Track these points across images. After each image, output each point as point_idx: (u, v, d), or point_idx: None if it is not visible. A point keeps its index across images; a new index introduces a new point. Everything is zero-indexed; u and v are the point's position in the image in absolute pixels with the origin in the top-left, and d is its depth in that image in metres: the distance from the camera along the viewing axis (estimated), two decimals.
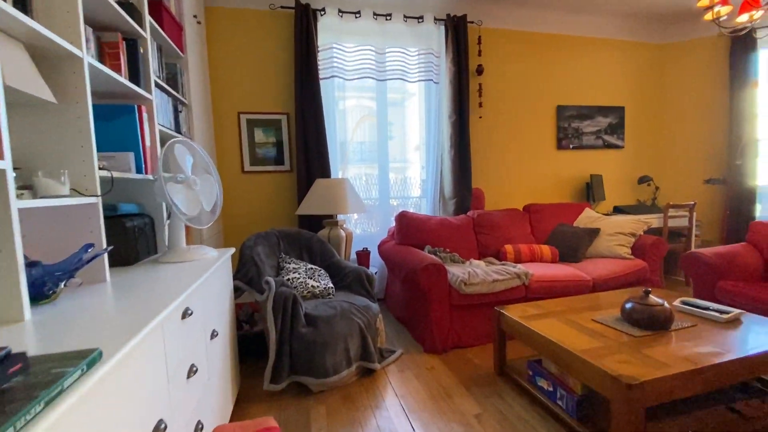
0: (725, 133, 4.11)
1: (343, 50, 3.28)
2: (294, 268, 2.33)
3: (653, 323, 1.73)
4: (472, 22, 3.55)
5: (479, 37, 3.62)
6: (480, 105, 3.70)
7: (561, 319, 1.91)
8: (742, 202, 3.98)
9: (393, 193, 3.70)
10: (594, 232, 3.16)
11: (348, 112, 3.52)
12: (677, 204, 3.64)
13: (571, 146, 4.08)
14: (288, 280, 2.22)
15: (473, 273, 2.50)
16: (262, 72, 3.18)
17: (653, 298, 1.78)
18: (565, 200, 4.16)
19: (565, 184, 4.14)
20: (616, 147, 4.27)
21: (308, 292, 2.23)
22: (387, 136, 3.56)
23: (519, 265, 2.74)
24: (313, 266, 2.42)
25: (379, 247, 3.25)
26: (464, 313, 2.53)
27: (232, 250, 1.97)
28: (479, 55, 3.62)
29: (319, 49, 3.17)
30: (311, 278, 2.30)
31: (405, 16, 3.36)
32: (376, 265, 3.41)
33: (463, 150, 3.44)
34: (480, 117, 3.73)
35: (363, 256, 3.05)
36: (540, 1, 3.55)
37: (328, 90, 3.25)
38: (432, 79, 3.51)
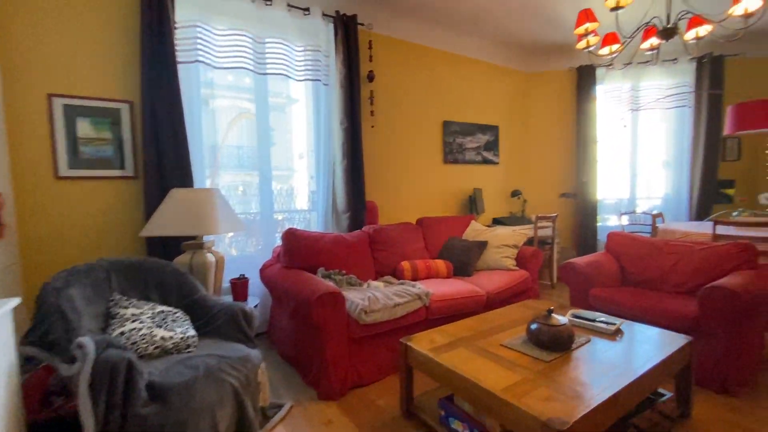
0: (574, 154, 4.80)
1: (211, 32, 2.67)
2: (134, 314, 1.66)
3: (558, 344, 1.68)
4: (363, 24, 3.34)
5: (370, 41, 3.43)
6: (372, 113, 3.49)
7: (471, 348, 1.74)
8: (587, 213, 4.67)
9: (278, 206, 3.19)
10: (482, 245, 3.22)
11: (221, 112, 2.91)
12: (544, 215, 4.03)
13: (454, 160, 4.20)
14: (121, 335, 1.55)
15: (373, 298, 2.20)
16: (91, 40, 2.34)
17: (555, 317, 1.74)
18: (452, 213, 4.26)
19: (451, 197, 4.24)
20: (493, 163, 4.58)
21: (156, 347, 1.60)
22: (269, 140, 3.05)
23: (418, 284, 2.56)
24: (166, 308, 1.78)
25: (262, 271, 2.71)
26: (364, 346, 2.20)
27: (17, 300, 1.26)
28: (370, 60, 3.42)
29: (177, 25, 2.51)
30: (161, 326, 1.67)
31: (289, 5, 2.93)
32: (257, 293, 2.84)
33: (356, 160, 3.16)
34: (372, 126, 3.52)
35: (239, 285, 2.48)
36: (426, 15, 3.55)
37: (191, 78, 2.60)
38: (320, 80, 3.15)
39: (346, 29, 3.12)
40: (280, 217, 3.27)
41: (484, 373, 1.50)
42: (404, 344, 1.83)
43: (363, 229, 3.07)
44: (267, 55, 2.93)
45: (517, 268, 3.16)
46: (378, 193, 3.61)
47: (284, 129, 3.34)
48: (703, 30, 2.33)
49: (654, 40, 2.30)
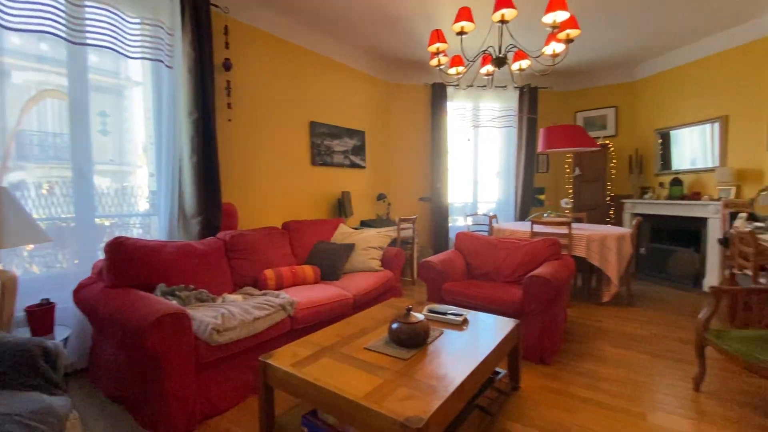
0: (430, 162, 5.29)
1: None
2: None
3: (416, 340, 1.76)
4: (218, 7, 2.98)
5: (226, 26, 3.09)
6: (229, 106, 3.15)
7: (335, 356, 1.69)
8: (441, 215, 5.21)
9: (103, 209, 2.59)
10: (350, 248, 3.24)
11: (15, 87, 2.19)
12: (406, 218, 4.32)
13: (322, 162, 4.14)
14: None
15: (228, 314, 1.96)
16: None
17: (414, 315, 1.83)
18: (322, 216, 4.19)
19: (321, 200, 4.17)
20: (360, 167, 4.70)
21: None
22: (89, 126, 2.44)
23: (282, 293, 2.40)
24: None
25: (78, 293, 2.14)
26: (219, 369, 1.94)
27: None
28: (227, 47, 3.09)
29: None
30: None
31: None
32: (69, 321, 2.23)
33: (209, 156, 2.80)
34: (230, 120, 3.18)
35: (40, 314, 1.89)
36: (291, 10, 3.41)
37: None
38: (162, 60, 2.68)
39: (196, 7, 2.73)
40: (107, 223, 2.66)
41: (347, 382, 1.46)
42: (263, 363, 1.66)
43: (218, 235, 2.73)
44: (87, 22, 2.34)
45: (382, 268, 3.28)
46: (237, 195, 3.28)
47: (120, 116, 2.73)
48: (525, 63, 2.83)
49: (490, 67, 2.68)
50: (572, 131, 3.84)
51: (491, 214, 4.86)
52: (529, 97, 5.39)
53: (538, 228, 3.83)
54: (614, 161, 5.23)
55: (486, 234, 4.57)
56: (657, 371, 2.35)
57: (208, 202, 2.76)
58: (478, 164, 5.54)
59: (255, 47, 3.38)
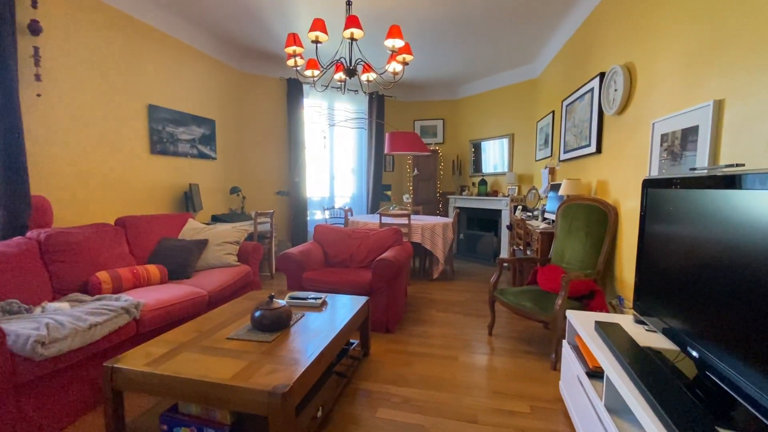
0: (286, 156, 5.35)
1: None
2: None
3: (280, 324, 1.92)
4: None
5: None
6: (38, 77, 2.57)
7: (196, 349, 1.70)
8: (299, 209, 5.35)
9: None
10: (203, 244, 3.10)
11: None
12: (262, 212, 4.31)
13: (165, 151, 3.76)
14: None
15: (55, 324, 1.70)
16: None
17: (276, 302, 1.98)
18: (165, 210, 3.80)
19: (163, 193, 3.77)
20: (210, 158, 4.42)
21: None
22: None
23: (123, 296, 2.18)
24: None
25: None
26: (46, 388, 1.67)
27: None
28: (34, 5, 2.51)
29: None
30: None
31: None
32: None
33: (10, 139, 2.26)
34: (39, 95, 2.60)
35: None
36: None
37: None
38: None
39: None
40: None
41: (212, 369, 1.52)
42: (109, 368, 1.54)
43: (28, 234, 2.25)
44: None
45: (239, 263, 3.24)
46: (53, 187, 2.72)
47: None
48: (372, 76, 3.23)
49: (342, 75, 2.98)
50: (411, 137, 4.52)
51: (347, 207, 5.26)
52: (377, 103, 6.00)
53: (385, 219, 4.39)
54: (442, 164, 6.34)
55: (342, 226, 4.95)
56: (467, 325, 3.10)
57: (11, 193, 2.23)
58: (334, 161, 5.88)
59: (75, 11, 2.83)
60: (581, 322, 1.84)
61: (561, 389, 2.05)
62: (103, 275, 2.34)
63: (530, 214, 4.19)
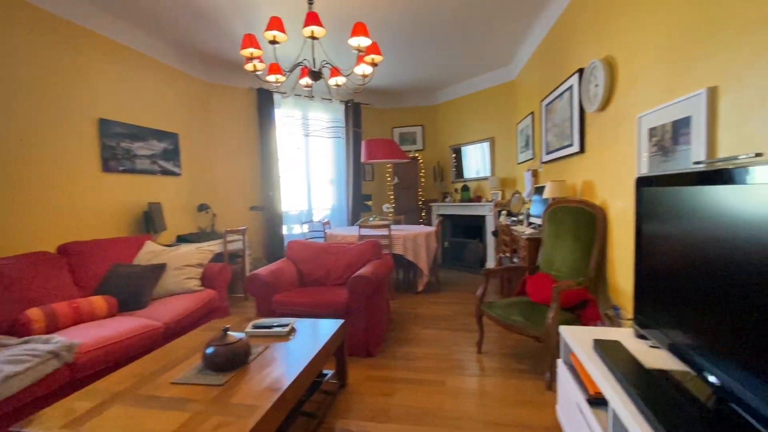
0: (259, 169, 5.09)
1: None
2: None
3: (236, 361, 1.66)
4: None
5: None
6: None
7: (130, 401, 1.42)
8: (274, 224, 5.07)
9: None
10: (159, 269, 2.81)
11: None
12: (233, 229, 4.03)
13: (120, 168, 3.46)
14: None
15: None
16: None
17: (232, 335, 1.72)
18: (120, 234, 3.48)
19: (119, 214, 3.46)
20: (173, 174, 4.13)
21: None
22: None
23: (56, 336, 1.88)
24: None
25: None
26: None
27: None
28: None
29: None
30: None
31: None
32: None
33: None
34: None
35: None
36: None
37: None
38: None
39: None
40: None
41: (145, 427, 1.25)
42: None
43: None
44: None
45: (202, 288, 2.95)
46: None
47: None
48: (341, 80, 3.03)
49: (308, 79, 2.77)
50: (388, 145, 4.33)
51: (325, 220, 5.01)
52: (354, 111, 5.82)
53: (364, 231, 4.16)
54: (423, 171, 6.16)
55: (322, 240, 4.69)
56: (454, 342, 2.87)
57: None
58: (311, 172, 5.64)
59: (10, 16, 2.55)
60: (577, 339, 1.63)
61: (558, 415, 1.84)
62: (34, 313, 2.04)
63: (515, 218, 4.03)
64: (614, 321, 2.13)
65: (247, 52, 2.38)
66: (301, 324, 2.23)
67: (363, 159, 4.40)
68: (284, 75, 2.65)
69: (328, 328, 2.14)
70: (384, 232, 4.09)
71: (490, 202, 5.12)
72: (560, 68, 3.24)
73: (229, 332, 1.73)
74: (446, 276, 5.20)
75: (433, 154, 6.22)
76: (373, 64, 2.66)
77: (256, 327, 2.13)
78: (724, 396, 1.00)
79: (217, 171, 4.81)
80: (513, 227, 3.61)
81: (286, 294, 2.82)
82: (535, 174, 3.95)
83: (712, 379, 1.05)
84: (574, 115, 2.87)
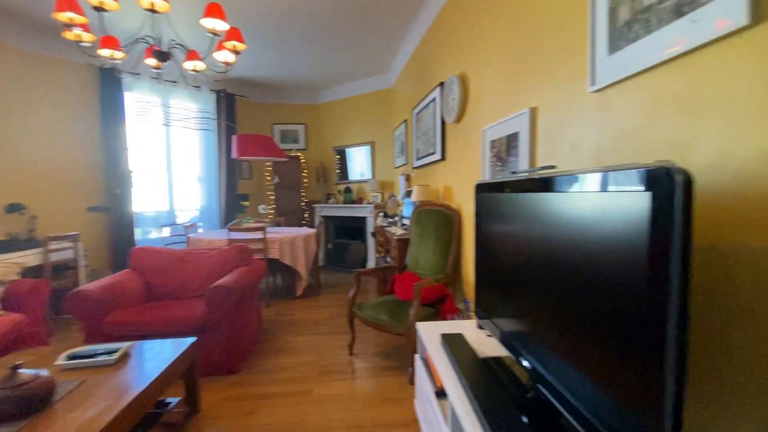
0: (102, 163, 4.25)
1: None
2: None
3: (31, 406, 1.30)
4: None
5: None
6: None
7: None
8: (123, 227, 4.30)
9: None
10: None
11: None
12: (58, 235, 3.26)
13: None
14: None
15: None
16: None
17: (25, 374, 1.34)
18: None
19: None
20: None
21: None
22: None
23: None
24: None
25: None
26: None
27: None
28: None
29: None
30: None
31: None
32: None
33: None
34: None
35: None
36: None
37: None
38: None
39: None
40: None
41: None
42: None
43: None
44: None
45: (3, 312, 2.29)
46: None
47: None
48: (200, 65, 2.70)
49: (154, 60, 2.38)
50: (264, 141, 4.06)
51: (188, 223, 4.45)
52: (227, 103, 5.33)
53: (235, 235, 3.82)
54: (305, 171, 6.00)
55: (184, 246, 4.15)
56: (329, 347, 2.82)
57: None
58: (172, 167, 4.95)
59: None
60: (428, 334, 1.73)
61: (416, 409, 1.93)
62: None
63: (391, 220, 4.20)
64: (464, 314, 2.35)
65: (65, 16, 1.91)
66: (138, 347, 1.89)
67: (234, 155, 4.04)
68: (121, 51, 2.22)
69: (171, 349, 1.86)
70: (258, 235, 3.82)
71: (370, 204, 5.25)
72: (428, 80, 3.48)
73: (20, 370, 1.35)
74: (328, 278, 5.14)
75: (317, 155, 6.11)
76: (236, 52, 2.43)
77: (73, 357, 1.72)
78: (534, 378, 1.15)
79: (38, 162, 3.83)
80: (388, 228, 3.75)
81: (125, 312, 2.38)
82: (408, 178, 4.17)
83: (525, 363, 1.19)
84: (437, 124, 3.10)
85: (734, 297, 0.82)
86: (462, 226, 2.66)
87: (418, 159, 3.74)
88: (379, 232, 3.91)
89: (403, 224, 3.81)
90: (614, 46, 1.16)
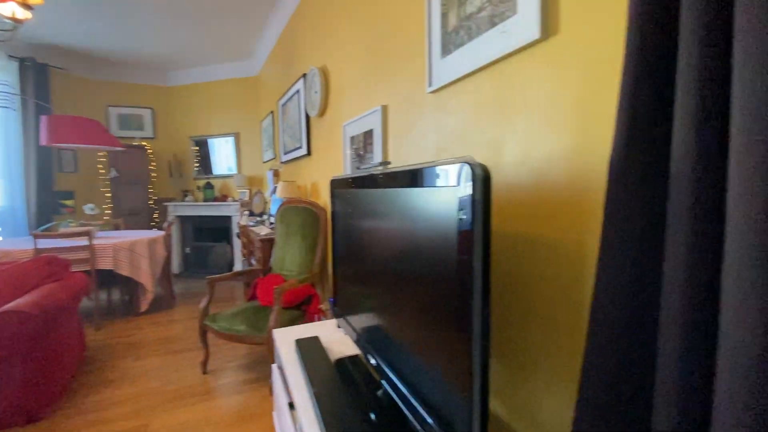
0: None
1: None
2: None
3: None
4: None
5: None
6: None
7: None
8: None
9: None
10: None
11: None
12: None
13: None
14: None
15: None
16: None
17: None
18: None
19: None
20: None
21: None
22: None
23: None
24: None
25: None
26: None
27: None
28: None
29: None
30: None
31: None
32: None
33: None
34: None
35: None
36: None
37: None
38: None
39: None
40: None
41: None
42: None
43: None
44: None
45: None
46: None
47: None
48: None
49: None
50: (86, 125, 3.30)
51: None
52: (36, 75, 4.17)
53: (45, 243, 3.00)
54: (154, 164, 5.14)
55: None
56: (179, 368, 2.43)
57: None
58: None
59: None
60: (283, 341, 1.61)
61: (275, 422, 1.79)
62: None
63: (258, 219, 3.89)
64: (328, 313, 2.29)
65: None
66: None
67: (43, 141, 3.18)
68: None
69: None
70: (82, 241, 3.08)
71: (236, 201, 4.80)
72: (292, 70, 3.31)
73: None
74: (187, 287, 4.51)
75: (169, 145, 5.29)
76: (28, 7, 1.86)
77: None
78: (380, 374, 1.14)
79: None
80: (253, 228, 3.45)
81: None
82: (276, 173, 3.93)
83: (372, 361, 1.18)
84: (301, 118, 2.97)
85: (538, 272, 0.93)
86: (328, 223, 2.60)
87: (286, 153, 3.54)
88: (242, 232, 3.58)
89: (271, 223, 3.57)
90: (446, 49, 1.23)
